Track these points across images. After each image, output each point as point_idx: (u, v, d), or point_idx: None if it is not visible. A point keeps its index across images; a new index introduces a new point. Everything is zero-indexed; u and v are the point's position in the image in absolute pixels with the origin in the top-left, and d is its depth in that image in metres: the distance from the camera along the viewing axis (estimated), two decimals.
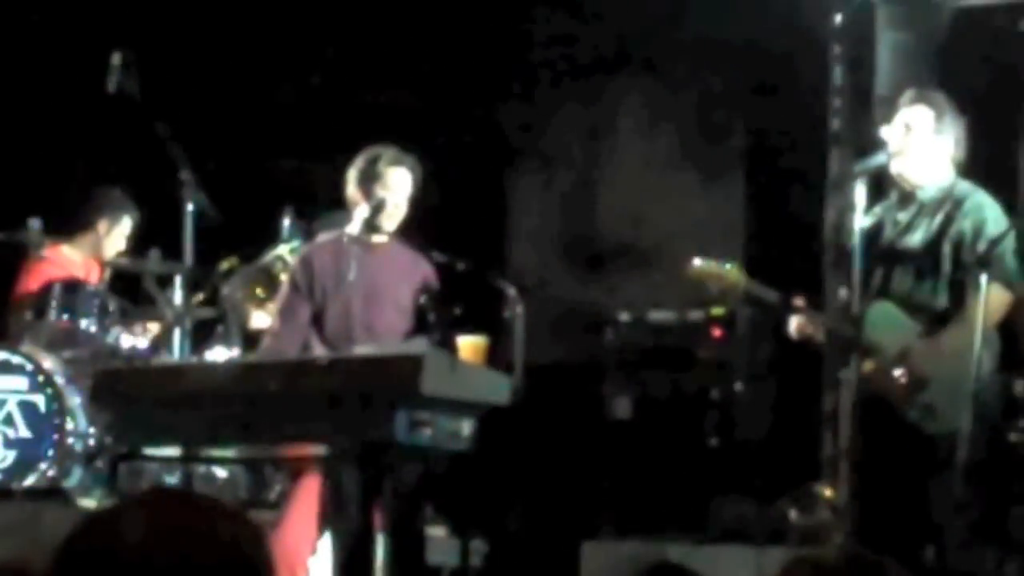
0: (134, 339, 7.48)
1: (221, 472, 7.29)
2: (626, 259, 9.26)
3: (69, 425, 7.12)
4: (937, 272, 6.11)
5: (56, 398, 7.13)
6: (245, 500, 7.24)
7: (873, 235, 6.17)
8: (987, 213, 6.12)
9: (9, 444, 7.16)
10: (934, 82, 7.02)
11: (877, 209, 6.28)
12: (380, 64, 9.46)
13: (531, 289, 7.40)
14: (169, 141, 6.93)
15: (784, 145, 8.72)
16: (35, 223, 7.43)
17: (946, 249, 6.11)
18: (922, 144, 6.16)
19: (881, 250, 6.20)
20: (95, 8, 8.85)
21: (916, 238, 6.19)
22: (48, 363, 7.21)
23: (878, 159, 6.18)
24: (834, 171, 8.13)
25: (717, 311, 8.08)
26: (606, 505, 8.05)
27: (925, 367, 6.01)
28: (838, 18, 8.06)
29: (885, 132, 6.24)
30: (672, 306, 8.23)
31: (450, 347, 6.37)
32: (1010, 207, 6.42)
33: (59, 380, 7.15)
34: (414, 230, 6.55)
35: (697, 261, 6.31)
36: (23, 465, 7.12)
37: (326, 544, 6.15)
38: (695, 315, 8.16)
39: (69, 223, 7.88)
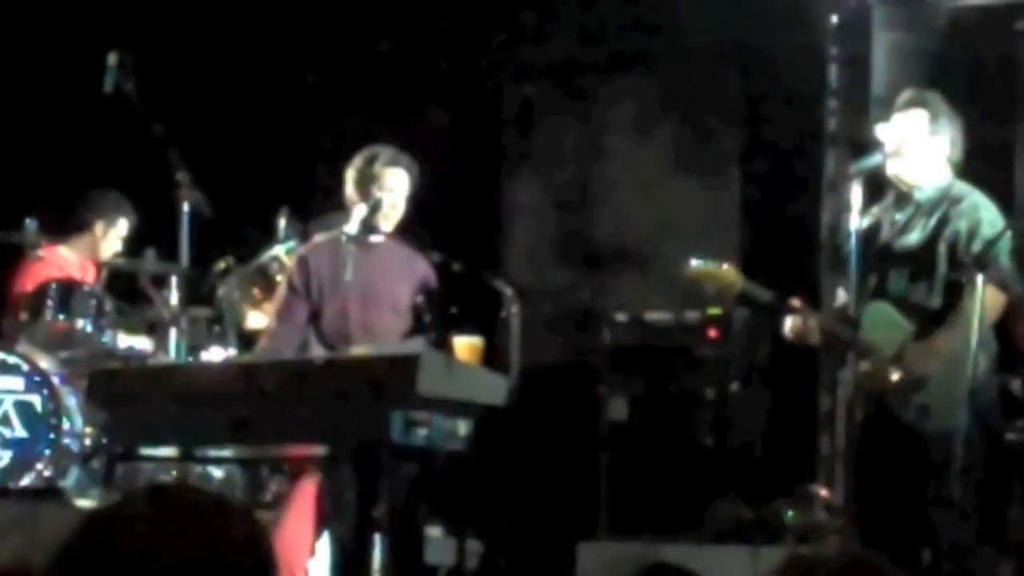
0: (130, 339, 7.49)
1: (218, 472, 7.28)
2: (622, 260, 9.26)
3: (65, 425, 7.12)
4: (933, 273, 6.10)
5: (52, 398, 7.12)
6: (241, 501, 7.24)
7: (870, 236, 6.16)
8: (983, 214, 6.11)
9: (5, 444, 7.16)
10: (930, 83, 7.02)
11: (874, 210, 6.27)
12: (378, 64, 9.46)
13: (527, 290, 7.39)
14: (165, 141, 6.92)
15: (780, 146, 8.72)
16: (31, 223, 7.44)
17: (942, 250, 6.10)
18: (918, 145, 6.16)
19: (877, 251, 6.19)
20: (92, 8, 8.84)
21: (912, 239, 6.18)
22: (44, 363, 7.22)
23: (875, 160, 6.18)
24: (830, 172, 8.15)
25: (713, 312, 8.06)
26: (602, 505, 8.04)
27: (921, 367, 6.00)
28: (835, 19, 8.08)
29: (882, 133, 6.24)
30: (668, 307, 8.22)
31: (446, 347, 6.37)
32: (1006, 208, 6.42)
33: (55, 380, 7.15)
34: (412, 230, 6.55)
35: (693, 262, 6.30)
36: (20, 465, 7.12)
37: (324, 545, 6.15)
38: (691, 316, 8.15)
39: (65, 224, 7.89)
